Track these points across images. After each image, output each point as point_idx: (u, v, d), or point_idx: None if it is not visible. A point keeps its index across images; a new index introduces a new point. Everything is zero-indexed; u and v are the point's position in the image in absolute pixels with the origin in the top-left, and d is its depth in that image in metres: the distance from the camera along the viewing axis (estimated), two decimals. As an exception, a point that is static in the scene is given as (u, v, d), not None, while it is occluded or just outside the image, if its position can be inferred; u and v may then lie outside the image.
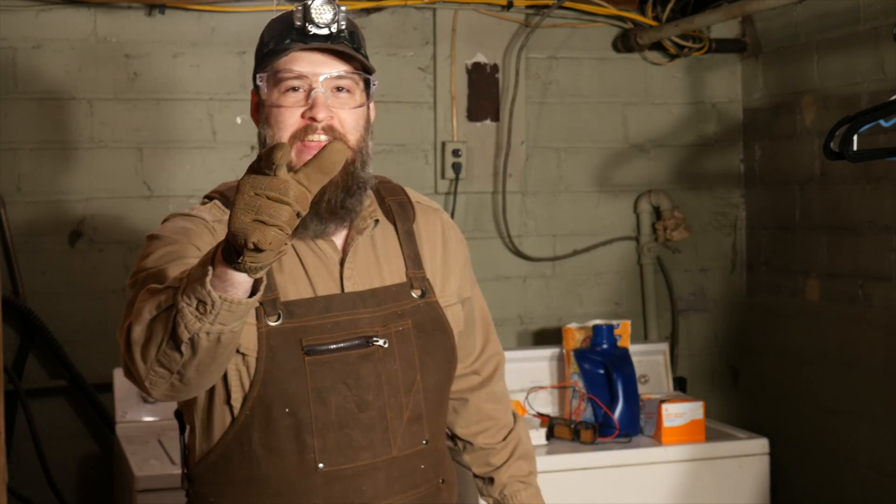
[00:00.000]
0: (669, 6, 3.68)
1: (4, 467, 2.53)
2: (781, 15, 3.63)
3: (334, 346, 1.75)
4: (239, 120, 3.51)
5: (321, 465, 1.74)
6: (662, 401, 3.12)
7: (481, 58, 3.70)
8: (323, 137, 1.73)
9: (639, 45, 3.77)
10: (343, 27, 1.77)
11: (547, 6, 3.65)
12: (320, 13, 1.75)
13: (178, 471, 2.76)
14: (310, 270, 1.79)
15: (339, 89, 1.77)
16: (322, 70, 1.76)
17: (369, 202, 1.87)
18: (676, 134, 3.91)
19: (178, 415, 1.92)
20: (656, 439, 3.10)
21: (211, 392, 1.77)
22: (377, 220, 1.87)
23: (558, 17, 3.74)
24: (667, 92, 3.90)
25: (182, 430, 1.91)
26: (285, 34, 1.78)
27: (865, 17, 3.28)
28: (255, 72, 1.83)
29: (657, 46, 3.83)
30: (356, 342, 1.76)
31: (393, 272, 1.86)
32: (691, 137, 3.93)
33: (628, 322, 3.39)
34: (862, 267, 3.34)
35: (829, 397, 3.48)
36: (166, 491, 2.71)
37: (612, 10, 3.73)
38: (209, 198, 1.87)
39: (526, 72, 3.74)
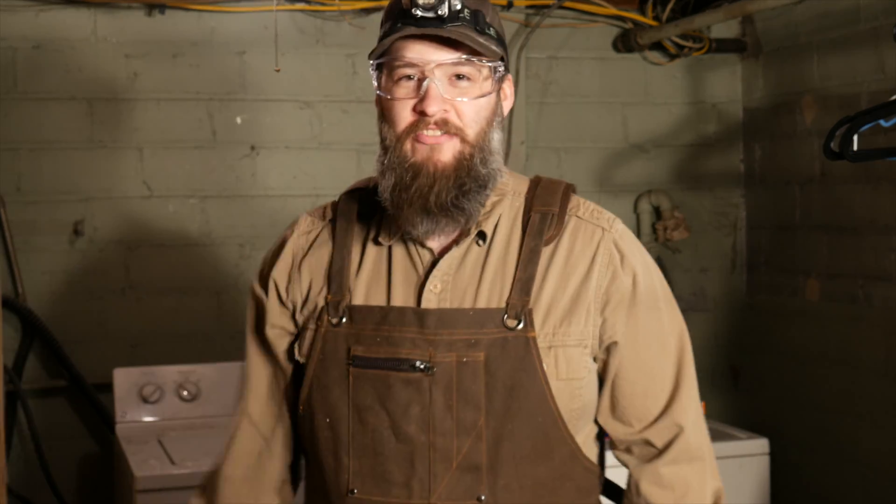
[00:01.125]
0: (669, 6, 3.68)
1: (4, 467, 2.53)
2: (781, 15, 3.63)
3: (377, 362, 1.57)
4: (239, 120, 3.50)
5: (355, 491, 1.59)
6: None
7: (481, 58, 3.70)
8: (438, 133, 1.56)
9: (639, 45, 3.76)
10: (458, 6, 1.56)
11: (547, 6, 3.64)
12: None
13: (177, 471, 2.78)
14: (395, 277, 1.62)
15: (458, 77, 1.57)
16: (433, 57, 1.56)
17: (493, 207, 1.63)
18: (676, 134, 3.91)
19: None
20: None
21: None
22: (482, 234, 1.62)
23: (558, 17, 3.74)
24: (667, 92, 3.90)
25: None
26: (397, 17, 1.59)
27: (865, 17, 3.28)
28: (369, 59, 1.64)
29: (657, 46, 3.83)
30: (401, 364, 1.56)
31: (494, 294, 1.59)
32: (691, 137, 3.93)
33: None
34: (862, 267, 3.34)
35: (830, 397, 3.48)
36: (166, 491, 2.71)
37: (612, 10, 3.73)
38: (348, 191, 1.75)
39: (526, 72, 3.74)
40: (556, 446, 1.59)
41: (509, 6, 3.64)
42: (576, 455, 1.61)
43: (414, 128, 1.56)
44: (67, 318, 3.36)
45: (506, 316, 1.56)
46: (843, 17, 3.36)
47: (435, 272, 1.60)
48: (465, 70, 1.57)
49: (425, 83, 1.55)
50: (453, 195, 1.55)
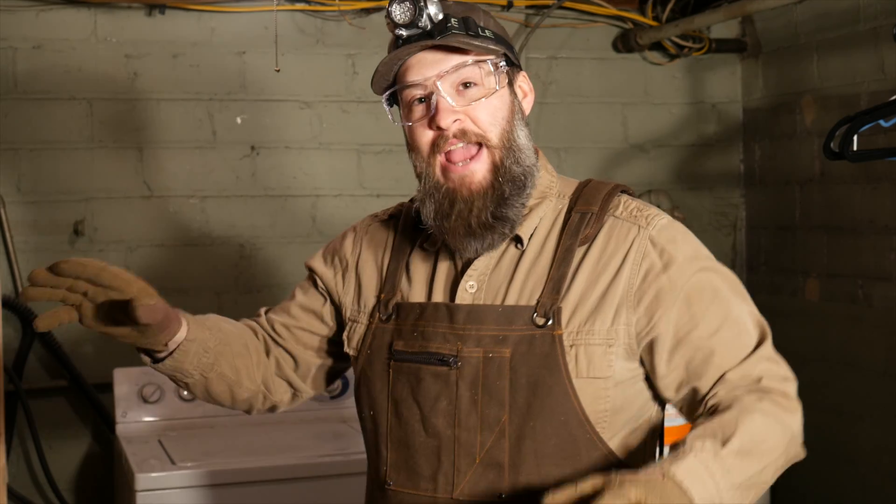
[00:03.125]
0: (669, 6, 3.68)
1: (4, 467, 2.53)
2: (781, 15, 3.63)
3: (411, 356, 1.61)
4: (239, 120, 3.50)
5: (390, 483, 1.62)
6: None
7: (481, 58, 3.70)
8: (460, 145, 1.56)
9: (639, 46, 3.77)
10: (441, 17, 1.56)
11: (547, 6, 3.65)
12: (401, 13, 1.56)
13: (177, 471, 2.78)
14: (437, 277, 1.66)
15: (465, 85, 1.58)
16: (432, 71, 1.57)
17: (531, 210, 1.62)
18: (676, 134, 3.91)
19: None
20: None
21: None
22: (517, 238, 1.62)
23: (558, 18, 3.74)
24: (667, 92, 3.90)
25: None
26: (393, 45, 1.61)
27: (865, 17, 3.28)
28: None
29: (657, 46, 3.83)
30: (430, 358, 1.59)
31: (526, 293, 1.59)
32: (691, 137, 3.93)
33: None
34: (862, 267, 3.34)
35: (830, 397, 3.48)
36: (166, 491, 2.71)
37: (612, 11, 3.73)
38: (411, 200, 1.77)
39: (526, 72, 3.73)
40: (583, 448, 1.54)
41: (509, 6, 3.64)
42: (609, 459, 1.55)
43: (435, 147, 1.57)
44: (67, 318, 3.36)
45: (535, 314, 1.55)
46: (843, 17, 3.36)
47: (470, 271, 1.62)
48: (467, 74, 1.56)
49: (433, 99, 1.56)
50: (492, 208, 1.56)
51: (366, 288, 1.74)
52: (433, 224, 1.60)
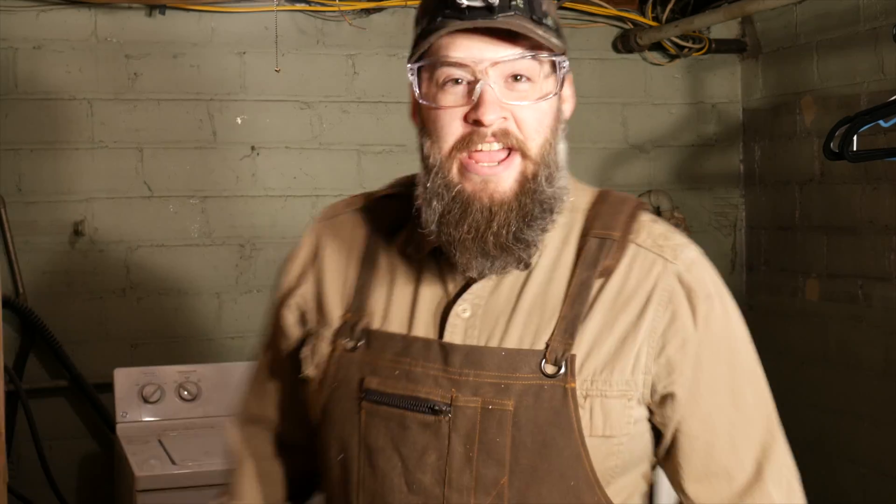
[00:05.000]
0: (669, 6, 3.68)
1: (4, 467, 2.53)
2: (781, 15, 3.63)
3: (394, 399, 1.35)
4: (239, 120, 3.50)
5: None
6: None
7: (481, 58, 3.70)
8: (495, 146, 1.31)
9: (639, 46, 3.77)
10: None
11: (547, 6, 3.64)
12: None
13: (177, 471, 2.78)
14: (420, 297, 1.40)
15: (515, 78, 1.32)
16: (487, 55, 1.30)
17: (556, 228, 1.38)
18: (676, 134, 3.91)
19: None
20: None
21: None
22: (528, 264, 1.36)
23: (558, 18, 3.73)
24: (667, 92, 3.90)
25: None
26: (438, 10, 1.32)
27: (865, 17, 3.28)
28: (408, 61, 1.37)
29: (657, 47, 3.83)
30: (419, 405, 1.34)
31: (529, 332, 1.34)
32: (691, 137, 3.93)
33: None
34: (862, 267, 3.34)
35: (829, 397, 3.48)
36: (166, 491, 2.71)
37: (612, 11, 3.73)
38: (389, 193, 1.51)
39: (526, 72, 3.73)
40: None
41: (509, 6, 3.64)
42: None
43: (467, 143, 1.31)
44: (67, 318, 3.36)
45: (544, 361, 1.32)
46: (842, 17, 3.37)
47: (466, 294, 1.37)
48: (524, 68, 1.32)
49: (478, 86, 1.29)
50: (515, 228, 1.31)
51: (328, 295, 1.46)
52: (434, 230, 1.34)
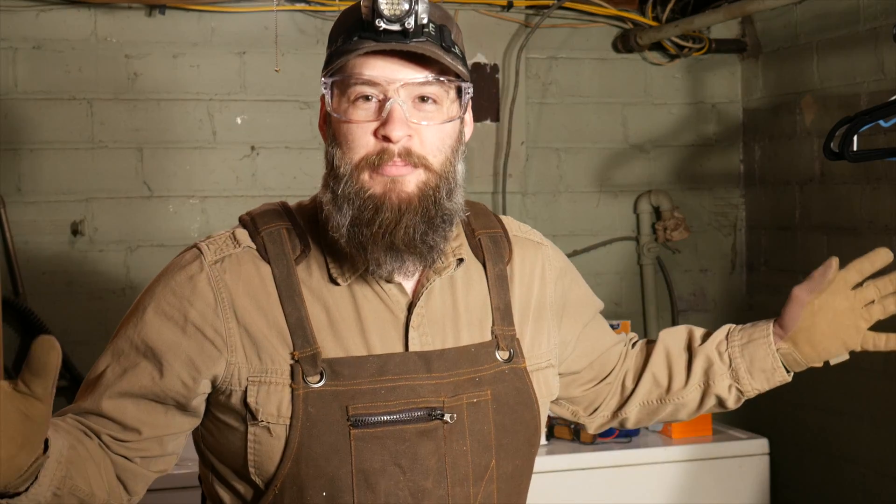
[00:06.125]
0: (669, 6, 3.68)
1: (4, 467, 2.52)
2: (781, 15, 3.63)
3: (388, 417, 1.41)
4: (239, 120, 3.51)
5: None
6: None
7: (481, 58, 3.70)
8: (399, 162, 1.41)
9: (639, 46, 3.77)
10: (425, 20, 1.41)
11: (547, 6, 3.65)
12: (392, 4, 1.38)
13: (178, 471, 2.77)
14: (366, 321, 1.46)
15: (423, 99, 1.43)
16: (399, 76, 1.41)
17: (456, 237, 1.54)
18: (676, 134, 3.91)
19: (201, 480, 1.64)
20: (665, 434, 3.12)
21: (213, 469, 1.55)
22: (461, 259, 1.53)
23: (558, 18, 3.74)
24: (667, 92, 3.90)
25: (203, 501, 1.67)
26: (354, 30, 1.42)
27: (865, 17, 3.28)
28: (322, 75, 1.47)
29: (657, 47, 3.83)
30: (416, 414, 1.42)
31: (474, 327, 1.51)
32: (691, 137, 3.93)
33: (628, 322, 3.39)
34: (862, 267, 3.34)
35: (829, 397, 3.48)
36: (166, 491, 2.71)
37: (612, 11, 3.73)
38: (242, 221, 1.55)
39: (526, 72, 3.74)
40: (528, 481, 1.59)
41: (509, 6, 3.64)
42: None
43: (375, 157, 1.40)
44: (67, 318, 3.37)
45: (497, 349, 1.51)
46: (842, 17, 3.36)
47: (417, 310, 1.48)
48: (431, 91, 1.43)
49: (388, 104, 1.39)
50: (422, 230, 1.42)
51: (259, 339, 1.44)
52: (346, 233, 1.42)
